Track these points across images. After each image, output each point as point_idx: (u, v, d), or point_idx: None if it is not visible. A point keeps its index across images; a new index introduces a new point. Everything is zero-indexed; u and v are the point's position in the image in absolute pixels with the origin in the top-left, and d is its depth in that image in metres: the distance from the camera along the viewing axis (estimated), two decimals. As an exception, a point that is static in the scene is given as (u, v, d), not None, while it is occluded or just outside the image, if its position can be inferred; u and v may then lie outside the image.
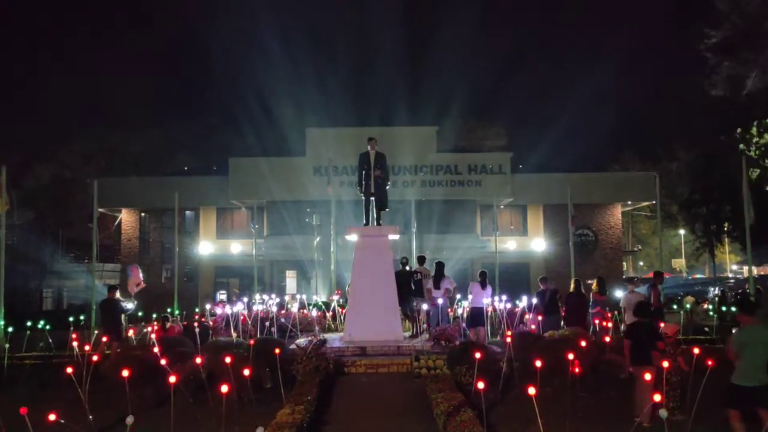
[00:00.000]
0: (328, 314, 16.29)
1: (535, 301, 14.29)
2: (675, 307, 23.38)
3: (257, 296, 18.17)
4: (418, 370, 10.53)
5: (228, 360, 8.60)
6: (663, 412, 5.68)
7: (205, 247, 32.38)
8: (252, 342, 10.17)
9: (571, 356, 8.57)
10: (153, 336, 12.03)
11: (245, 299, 17.49)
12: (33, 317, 16.47)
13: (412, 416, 8.49)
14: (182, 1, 74.50)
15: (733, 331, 8.14)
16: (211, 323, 14.53)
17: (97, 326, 14.30)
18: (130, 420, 5.83)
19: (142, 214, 33.64)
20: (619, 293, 24.52)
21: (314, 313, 16.57)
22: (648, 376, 7.52)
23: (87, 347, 10.73)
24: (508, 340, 10.02)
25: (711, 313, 19.59)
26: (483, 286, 13.58)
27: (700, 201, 34.77)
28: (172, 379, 7.46)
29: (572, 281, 13.70)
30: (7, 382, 10.69)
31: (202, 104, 62.37)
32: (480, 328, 13.26)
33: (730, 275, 46.66)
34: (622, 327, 12.98)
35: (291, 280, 31.75)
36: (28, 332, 14.26)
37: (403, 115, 38.69)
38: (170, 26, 73.91)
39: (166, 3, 76.04)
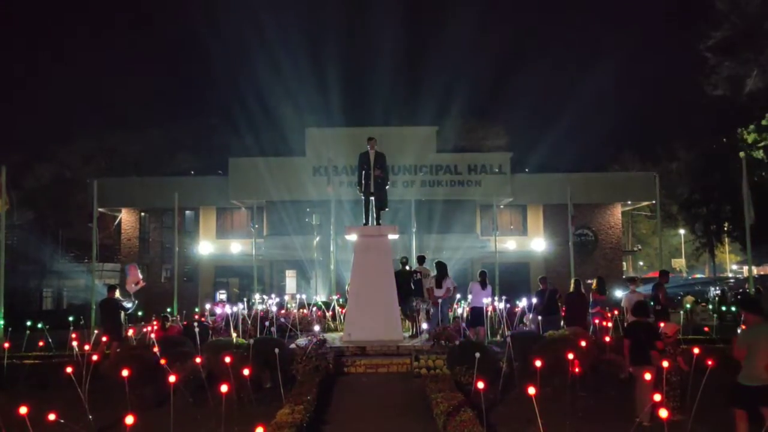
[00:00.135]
0: (328, 314, 16.28)
1: (534, 300, 14.30)
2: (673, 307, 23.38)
3: (257, 296, 18.16)
4: (417, 370, 10.53)
5: (228, 360, 8.60)
6: (663, 412, 5.68)
7: (205, 247, 32.38)
8: (251, 342, 10.17)
9: (571, 356, 8.57)
10: (153, 336, 12.04)
11: (245, 299, 17.51)
12: (33, 317, 16.46)
13: (411, 416, 8.49)
14: (182, 1, 74.53)
15: (738, 330, 8.13)
16: (210, 323, 14.53)
17: (97, 326, 14.29)
18: (130, 420, 5.83)
19: (142, 214, 33.64)
20: (619, 293, 24.54)
21: (314, 311, 16.57)
22: (648, 376, 7.52)
23: (87, 347, 10.73)
24: (508, 340, 10.02)
25: (711, 312, 19.62)
26: (483, 286, 13.59)
27: (700, 201, 34.77)
28: (172, 379, 7.46)
29: (572, 281, 13.69)
30: (7, 382, 10.69)
31: (202, 104, 62.46)
32: (480, 328, 13.27)
33: (730, 275, 46.65)
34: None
35: (291, 280, 31.74)
36: (28, 332, 14.25)
37: (403, 115, 38.76)
38: (170, 26, 73.96)
39: (167, 3, 76.07)
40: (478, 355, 8.99)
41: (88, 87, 66.33)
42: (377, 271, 12.91)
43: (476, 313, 13.39)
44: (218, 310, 15.76)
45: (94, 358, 9.67)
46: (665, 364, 7.81)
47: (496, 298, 15.15)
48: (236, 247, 31.36)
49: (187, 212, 32.97)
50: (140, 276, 15.98)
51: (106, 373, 9.55)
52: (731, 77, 32.72)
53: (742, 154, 26.88)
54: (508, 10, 76.20)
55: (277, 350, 9.45)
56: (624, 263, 41.36)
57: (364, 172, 13.35)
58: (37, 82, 62.13)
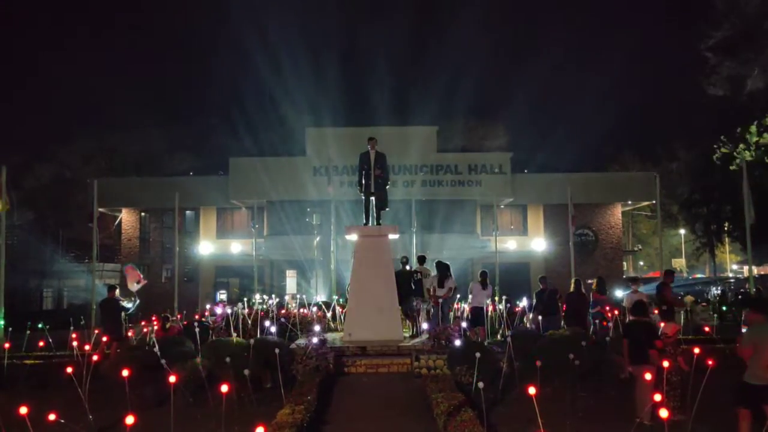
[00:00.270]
0: (328, 314, 16.28)
1: (535, 300, 14.30)
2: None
3: (257, 296, 18.15)
4: (418, 370, 10.53)
5: (228, 360, 8.59)
6: (663, 412, 5.68)
7: (205, 247, 32.38)
8: (251, 342, 10.17)
9: (571, 356, 8.57)
10: (153, 336, 12.04)
11: (245, 299, 17.49)
12: (33, 317, 16.46)
13: (412, 416, 8.49)
14: (182, 1, 74.54)
15: (743, 330, 8.12)
16: (211, 323, 14.52)
17: (97, 326, 14.30)
18: (130, 420, 5.83)
19: (143, 214, 33.64)
20: (619, 293, 24.54)
21: (314, 310, 16.56)
22: (648, 376, 7.52)
23: (87, 347, 10.73)
24: (509, 339, 10.02)
25: (711, 312, 19.61)
26: (484, 286, 13.58)
27: (700, 201, 34.77)
28: (172, 379, 7.46)
29: (572, 281, 13.69)
30: (7, 382, 10.69)
31: (202, 104, 62.42)
32: (480, 328, 13.27)
33: (731, 275, 46.67)
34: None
35: (291, 280, 31.74)
36: (28, 332, 14.25)
37: (403, 114, 38.74)
38: (170, 26, 73.91)
39: (167, 3, 76.08)
40: (478, 355, 9.00)
41: (88, 87, 66.35)
42: (377, 271, 12.90)
43: (476, 313, 13.40)
44: (218, 310, 15.76)
45: (95, 358, 9.66)
46: (665, 363, 7.81)
47: (496, 299, 15.13)
48: (236, 247, 31.36)
49: (188, 212, 32.96)
50: (140, 274, 15.97)
51: (106, 373, 9.56)
52: (731, 77, 32.75)
53: (746, 154, 26.92)
54: (509, 9, 76.22)
55: (277, 350, 9.45)
56: (624, 263, 41.36)
57: (364, 172, 13.34)
58: (37, 82, 62.18)
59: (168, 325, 13.44)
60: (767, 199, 24.05)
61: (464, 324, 12.93)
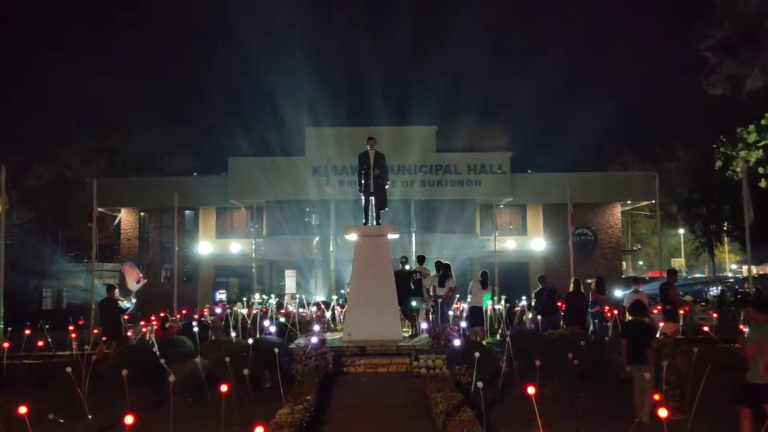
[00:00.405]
0: (328, 314, 16.28)
1: (534, 300, 14.31)
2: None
3: (256, 296, 18.16)
4: (417, 370, 10.53)
5: (227, 360, 8.60)
6: (663, 412, 5.68)
7: (205, 247, 32.37)
8: (251, 342, 10.17)
9: (570, 356, 8.57)
10: (152, 336, 12.04)
11: (244, 299, 17.49)
12: (33, 317, 16.45)
13: (411, 416, 8.49)
14: (182, 1, 74.51)
15: (745, 330, 8.11)
16: (210, 323, 14.53)
17: (97, 326, 14.30)
18: (130, 420, 5.84)
19: (142, 214, 33.63)
20: (618, 293, 24.56)
21: (314, 309, 16.57)
22: (647, 375, 7.53)
23: (87, 347, 10.74)
24: (508, 339, 10.02)
25: (711, 309, 19.59)
26: (484, 286, 13.58)
27: (699, 201, 34.81)
28: (172, 379, 7.47)
29: (571, 281, 13.70)
30: (7, 382, 10.69)
31: (201, 104, 62.32)
32: (479, 327, 13.26)
33: (730, 275, 46.70)
34: None
35: (290, 280, 31.72)
36: (28, 332, 14.25)
37: (403, 114, 38.75)
38: (170, 26, 73.85)
39: (167, 3, 76.03)
40: (477, 354, 9.00)
41: (88, 87, 66.25)
42: (377, 271, 12.90)
43: (476, 313, 13.39)
44: (218, 310, 15.76)
45: (94, 358, 9.66)
46: (665, 363, 7.82)
47: (496, 298, 15.13)
48: (236, 247, 31.36)
49: (187, 212, 32.95)
50: (140, 273, 15.94)
51: (106, 373, 9.55)
52: (731, 77, 32.77)
53: (744, 153, 26.94)
54: (508, 9, 76.20)
55: (276, 350, 9.46)
56: (624, 263, 41.39)
57: (363, 171, 13.34)
58: (37, 82, 62.11)
59: (167, 325, 13.43)
60: (767, 199, 24.08)
61: (463, 324, 12.95)
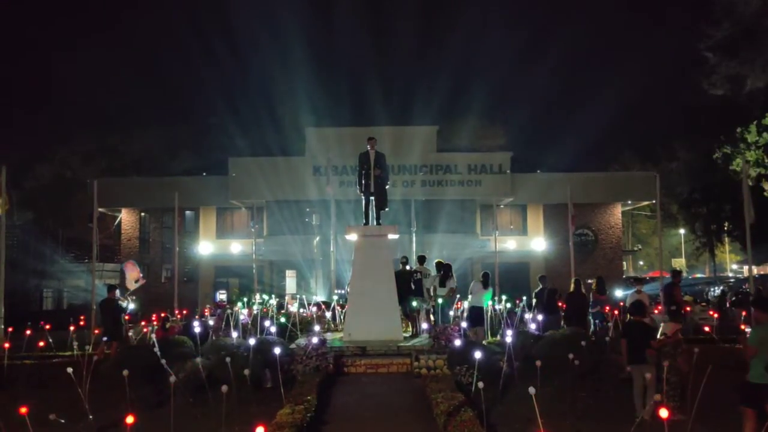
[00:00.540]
0: (328, 314, 16.28)
1: (534, 300, 14.30)
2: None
3: (256, 296, 18.16)
4: (418, 370, 10.53)
5: (228, 360, 8.60)
6: (663, 412, 5.68)
7: (205, 247, 32.38)
8: (251, 342, 10.17)
9: (570, 356, 8.57)
10: (153, 336, 12.04)
11: (244, 299, 17.48)
12: (33, 317, 16.45)
13: (412, 416, 8.49)
14: (183, 1, 74.50)
15: (747, 330, 8.10)
16: (211, 323, 14.53)
17: (98, 326, 14.31)
18: (130, 420, 5.84)
19: (142, 214, 33.63)
20: (618, 293, 24.55)
21: (314, 309, 16.57)
22: (648, 375, 7.53)
23: (87, 347, 10.74)
24: (509, 339, 10.02)
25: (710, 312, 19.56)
26: (485, 286, 13.57)
27: (700, 200, 34.81)
28: (172, 379, 7.47)
29: (572, 281, 13.70)
30: (7, 382, 10.69)
31: (201, 104, 62.29)
32: (479, 328, 13.26)
33: (730, 275, 46.69)
34: None
35: (291, 280, 31.72)
36: (28, 332, 14.26)
37: (403, 114, 38.74)
38: (170, 26, 73.88)
39: (167, 2, 76.03)
40: (478, 354, 9.00)
41: (88, 87, 66.21)
42: (377, 271, 12.91)
43: (476, 313, 13.39)
44: (219, 310, 15.76)
45: (95, 358, 9.66)
46: (665, 363, 7.81)
47: (496, 298, 15.14)
48: (236, 247, 31.36)
49: (187, 212, 32.95)
50: (140, 273, 15.92)
51: (106, 373, 9.56)
52: (731, 77, 32.77)
53: (742, 146, 26.92)
54: (509, 10, 76.22)
55: (277, 350, 9.46)
56: (624, 263, 41.39)
57: (364, 171, 13.35)
58: (37, 82, 62.08)
59: (168, 325, 13.44)
60: (767, 199, 24.07)
61: (464, 324, 12.95)
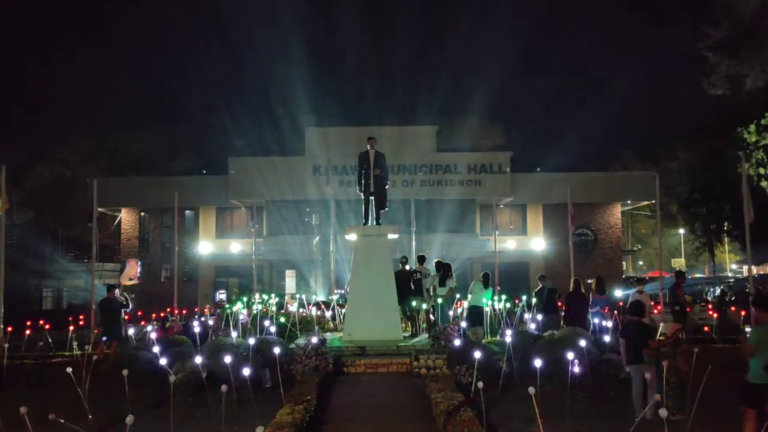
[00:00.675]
0: (328, 313, 16.28)
1: (534, 300, 14.29)
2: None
3: (256, 296, 18.15)
4: (417, 370, 10.53)
5: (228, 360, 8.60)
6: (663, 412, 5.68)
7: (205, 247, 32.38)
8: (251, 342, 10.17)
9: (571, 356, 8.57)
10: (153, 335, 12.04)
11: (244, 299, 17.47)
12: (33, 317, 16.42)
13: (411, 416, 8.50)
14: (183, 1, 74.46)
15: (747, 330, 8.09)
16: (210, 323, 14.52)
17: (97, 326, 14.30)
18: (130, 420, 5.83)
19: (142, 214, 33.64)
20: (618, 293, 24.55)
21: (314, 311, 16.56)
22: (648, 375, 7.53)
23: (87, 347, 10.74)
24: (508, 339, 10.03)
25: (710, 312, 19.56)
26: (485, 286, 13.57)
27: (699, 200, 34.81)
28: (172, 379, 7.46)
29: (572, 281, 13.69)
30: (7, 382, 10.68)
31: (201, 104, 62.25)
32: (479, 327, 13.26)
33: (730, 275, 46.68)
34: None
35: (290, 280, 31.74)
36: (28, 332, 14.25)
37: (403, 114, 38.74)
38: (170, 25, 73.85)
39: (167, 3, 76.04)
40: (478, 354, 9.00)
41: (88, 87, 66.20)
42: (377, 270, 12.91)
43: (476, 313, 13.39)
44: (218, 310, 15.75)
45: (94, 357, 9.66)
46: (665, 363, 7.81)
47: (496, 298, 15.14)
48: (236, 247, 31.37)
49: (187, 212, 32.96)
50: (138, 273, 15.87)
51: (106, 373, 9.55)
52: (731, 76, 32.76)
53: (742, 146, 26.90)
54: (508, 10, 76.20)
55: (276, 350, 9.46)
56: (624, 263, 41.39)
57: (363, 171, 13.35)
58: (37, 82, 62.06)
59: (167, 325, 13.44)
60: (767, 199, 24.08)
61: (464, 324, 12.95)
